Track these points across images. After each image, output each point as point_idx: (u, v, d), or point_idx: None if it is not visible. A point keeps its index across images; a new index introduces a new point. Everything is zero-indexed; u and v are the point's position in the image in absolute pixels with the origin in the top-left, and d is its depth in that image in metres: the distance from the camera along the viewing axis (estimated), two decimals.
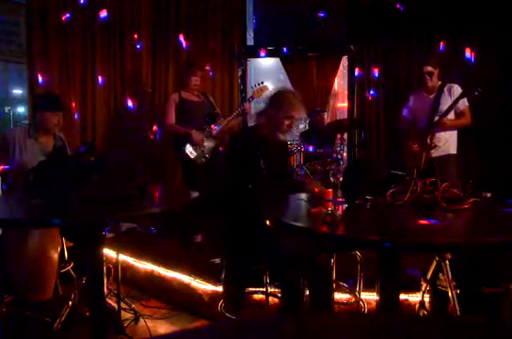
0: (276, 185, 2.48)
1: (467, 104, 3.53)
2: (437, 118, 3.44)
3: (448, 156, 3.58)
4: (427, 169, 3.05)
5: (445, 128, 3.46)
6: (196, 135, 3.86)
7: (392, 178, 2.13)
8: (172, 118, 3.95)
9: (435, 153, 3.49)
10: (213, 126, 3.99)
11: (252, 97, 4.17)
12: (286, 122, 2.50)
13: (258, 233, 2.27)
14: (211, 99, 4.23)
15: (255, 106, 4.84)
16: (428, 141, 3.36)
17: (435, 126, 3.41)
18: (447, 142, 3.57)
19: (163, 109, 4.22)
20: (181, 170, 4.48)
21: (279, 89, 2.65)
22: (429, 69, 3.55)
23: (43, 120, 3.01)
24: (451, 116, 3.53)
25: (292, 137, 5.43)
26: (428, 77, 3.55)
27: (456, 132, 3.63)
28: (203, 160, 3.90)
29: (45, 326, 2.50)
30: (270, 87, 4.13)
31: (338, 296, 2.77)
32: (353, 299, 2.77)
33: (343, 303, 2.79)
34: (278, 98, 2.54)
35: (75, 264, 2.83)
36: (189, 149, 3.88)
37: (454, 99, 3.41)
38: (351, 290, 2.76)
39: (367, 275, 2.64)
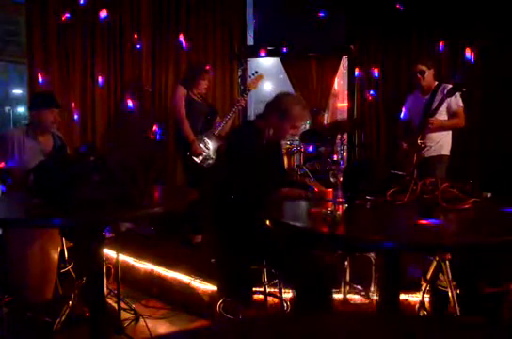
0: (275, 186, 2.46)
1: (461, 105, 3.51)
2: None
3: (440, 157, 3.57)
4: (420, 169, 3.06)
5: (435, 128, 3.44)
6: (196, 147, 3.85)
7: (391, 178, 2.13)
8: (184, 110, 3.88)
9: (427, 154, 3.49)
10: (215, 124, 4.00)
11: (248, 89, 4.14)
12: (291, 131, 2.48)
13: (257, 232, 2.26)
14: (209, 102, 4.25)
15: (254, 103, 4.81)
16: (418, 141, 3.36)
17: (424, 126, 3.41)
18: (439, 143, 3.56)
19: (171, 101, 4.16)
20: (181, 171, 4.48)
21: (282, 95, 2.53)
22: (421, 67, 3.53)
23: (39, 118, 3.01)
24: (444, 116, 3.52)
25: (292, 137, 5.43)
26: (420, 76, 3.54)
27: (450, 133, 3.63)
28: (210, 162, 3.90)
29: (45, 326, 2.50)
30: (265, 78, 4.12)
31: (351, 297, 2.78)
32: (367, 301, 2.76)
33: (356, 305, 2.78)
34: (283, 106, 2.43)
35: (75, 264, 2.83)
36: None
37: (447, 100, 3.40)
38: (365, 292, 2.76)
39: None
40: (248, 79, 4.13)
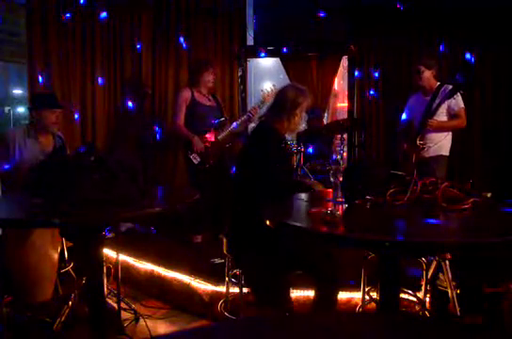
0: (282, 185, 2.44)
1: (462, 105, 3.51)
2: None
3: (438, 157, 3.58)
4: (420, 169, 3.06)
5: (434, 129, 3.45)
6: (197, 143, 3.86)
7: (391, 178, 2.13)
8: (182, 118, 3.91)
9: (426, 154, 3.50)
10: (222, 129, 4.00)
11: (263, 101, 4.12)
12: (303, 114, 2.54)
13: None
14: (220, 102, 4.23)
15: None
16: (418, 142, 3.37)
17: (423, 127, 3.41)
18: (438, 143, 3.56)
19: (172, 105, 4.18)
20: (181, 171, 4.49)
21: (281, 92, 2.54)
22: (419, 67, 3.54)
23: (41, 118, 3.01)
24: (444, 118, 3.52)
25: (292, 137, 5.42)
26: (417, 75, 3.55)
27: (450, 134, 3.63)
28: (207, 166, 3.91)
29: (45, 326, 2.50)
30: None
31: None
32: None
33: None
34: (289, 100, 2.45)
35: (75, 264, 2.83)
36: (193, 155, 3.89)
37: (447, 101, 3.40)
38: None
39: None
40: (265, 92, 4.09)
